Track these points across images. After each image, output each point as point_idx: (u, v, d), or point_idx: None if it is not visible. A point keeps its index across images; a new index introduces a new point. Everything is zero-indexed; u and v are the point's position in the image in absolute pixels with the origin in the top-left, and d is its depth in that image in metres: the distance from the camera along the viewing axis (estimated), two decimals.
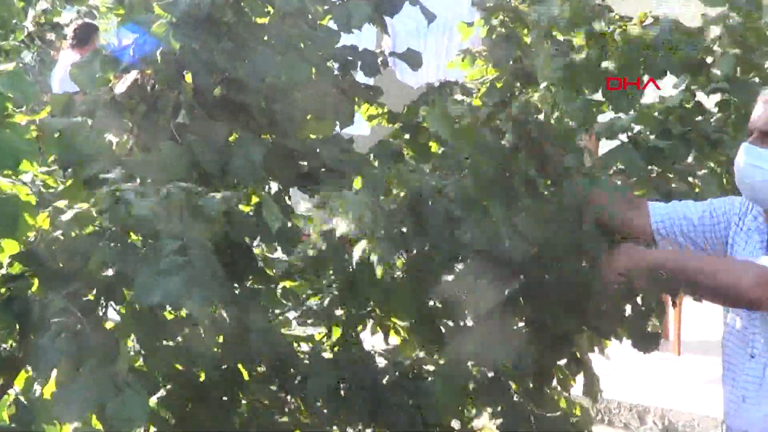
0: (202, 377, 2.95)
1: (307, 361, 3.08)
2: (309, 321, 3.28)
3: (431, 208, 2.89)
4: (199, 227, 2.54)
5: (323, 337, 3.28)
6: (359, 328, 3.27)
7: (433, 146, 3.38)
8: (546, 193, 3.04)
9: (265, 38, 2.73)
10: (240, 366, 3.04)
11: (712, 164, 3.34)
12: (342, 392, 3.03)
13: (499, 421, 3.23)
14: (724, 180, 3.31)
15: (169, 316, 2.81)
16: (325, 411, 3.05)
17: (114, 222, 2.54)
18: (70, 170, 2.84)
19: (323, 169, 3.08)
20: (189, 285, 2.39)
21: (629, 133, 3.19)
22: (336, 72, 3.17)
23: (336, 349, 3.19)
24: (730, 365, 2.92)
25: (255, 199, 3.11)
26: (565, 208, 2.99)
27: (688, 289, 2.91)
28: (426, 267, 2.97)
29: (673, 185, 3.28)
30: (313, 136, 3.18)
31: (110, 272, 2.60)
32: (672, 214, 3.03)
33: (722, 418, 3.04)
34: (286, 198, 3.17)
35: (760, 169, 2.79)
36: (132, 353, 2.79)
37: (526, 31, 3.41)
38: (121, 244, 2.62)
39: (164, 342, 2.79)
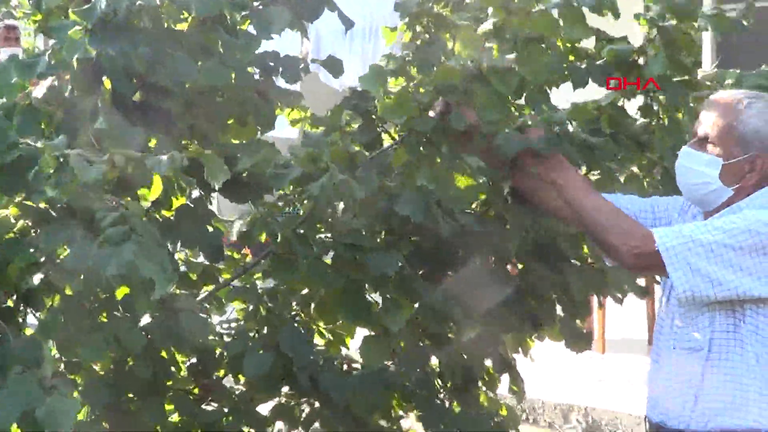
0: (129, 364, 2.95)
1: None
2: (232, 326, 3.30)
3: (366, 176, 2.92)
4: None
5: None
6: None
7: None
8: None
9: (184, 44, 2.71)
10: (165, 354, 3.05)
11: (635, 169, 3.38)
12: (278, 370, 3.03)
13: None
14: (645, 183, 3.36)
15: None
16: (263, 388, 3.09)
17: (60, 188, 2.47)
18: None
19: (244, 174, 3.08)
20: (140, 252, 2.37)
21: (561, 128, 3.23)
22: (257, 77, 3.16)
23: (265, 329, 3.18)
24: (657, 357, 2.97)
25: (176, 204, 3.10)
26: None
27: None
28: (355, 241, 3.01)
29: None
30: (235, 141, 3.18)
31: (34, 279, 2.57)
32: (614, 203, 3.07)
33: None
34: (208, 203, 3.17)
35: (693, 170, 2.87)
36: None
37: (448, 36, 3.43)
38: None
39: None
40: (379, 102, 3.17)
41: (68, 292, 2.68)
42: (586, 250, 3.33)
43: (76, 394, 2.70)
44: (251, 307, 3.25)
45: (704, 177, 2.85)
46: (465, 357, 3.40)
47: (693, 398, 2.83)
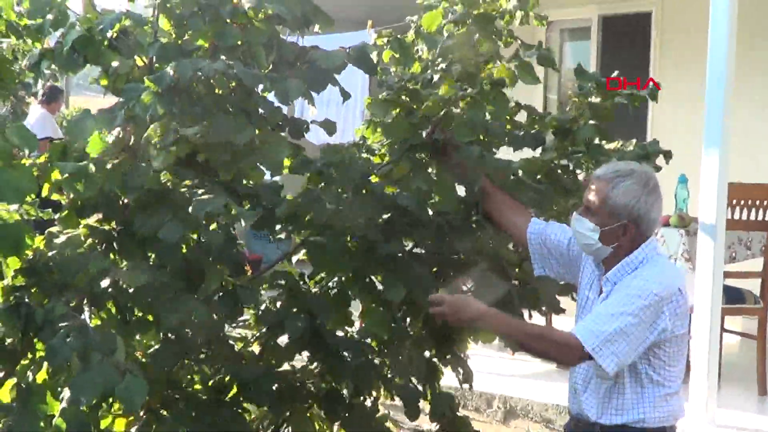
0: None
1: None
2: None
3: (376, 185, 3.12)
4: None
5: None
6: None
7: None
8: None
9: (227, 106, 2.73)
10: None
11: (555, 208, 3.46)
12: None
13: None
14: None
15: None
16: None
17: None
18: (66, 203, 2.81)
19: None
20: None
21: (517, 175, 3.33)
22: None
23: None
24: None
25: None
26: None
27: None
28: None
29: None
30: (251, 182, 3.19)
31: (102, 283, 2.57)
32: (545, 231, 3.16)
33: (565, 404, 3.16)
34: (233, 229, 3.17)
35: (581, 233, 2.95)
36: None
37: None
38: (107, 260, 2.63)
39: None
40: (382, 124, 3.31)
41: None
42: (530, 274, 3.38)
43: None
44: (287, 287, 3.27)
45: (589, 240, 2.93)
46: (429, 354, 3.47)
47: (606, 402, 2.94)
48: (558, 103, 9.02)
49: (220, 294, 2.89)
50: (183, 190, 2.74)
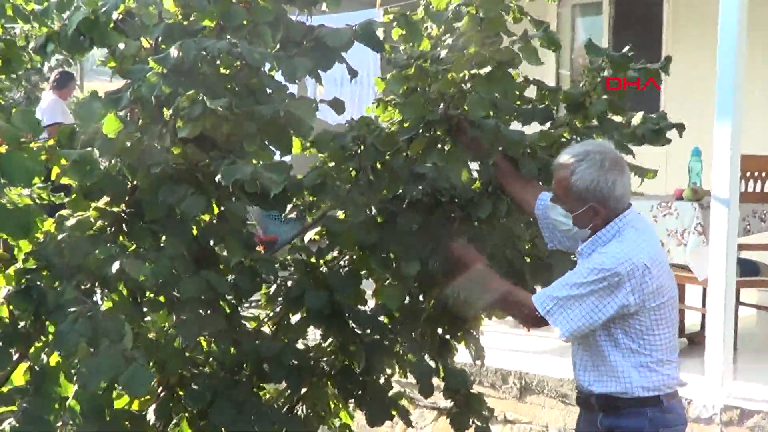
0: None
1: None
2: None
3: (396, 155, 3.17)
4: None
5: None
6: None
7: None
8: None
9: (233, 85, 2.70)
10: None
11: None
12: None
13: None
14: None
15: None
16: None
17: None
18: (75, 186, 2.80)
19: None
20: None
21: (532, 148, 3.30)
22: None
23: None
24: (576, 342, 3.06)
25: (216, 210, 3.08)
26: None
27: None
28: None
29: None
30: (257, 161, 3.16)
31: (112, 267, 2.55)
32: (550, 205, 3.13)
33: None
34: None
35: (558, 220, 3.00)
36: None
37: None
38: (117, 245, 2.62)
39: None
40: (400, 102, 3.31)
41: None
42: (543, 251, 3.36)
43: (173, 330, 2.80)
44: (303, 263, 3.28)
45: (565, 225, 2.99)
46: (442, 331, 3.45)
47: (593, 371, 2.98)
48: (570, 79, 8.94)
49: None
50: (204, 164, 2.74)
